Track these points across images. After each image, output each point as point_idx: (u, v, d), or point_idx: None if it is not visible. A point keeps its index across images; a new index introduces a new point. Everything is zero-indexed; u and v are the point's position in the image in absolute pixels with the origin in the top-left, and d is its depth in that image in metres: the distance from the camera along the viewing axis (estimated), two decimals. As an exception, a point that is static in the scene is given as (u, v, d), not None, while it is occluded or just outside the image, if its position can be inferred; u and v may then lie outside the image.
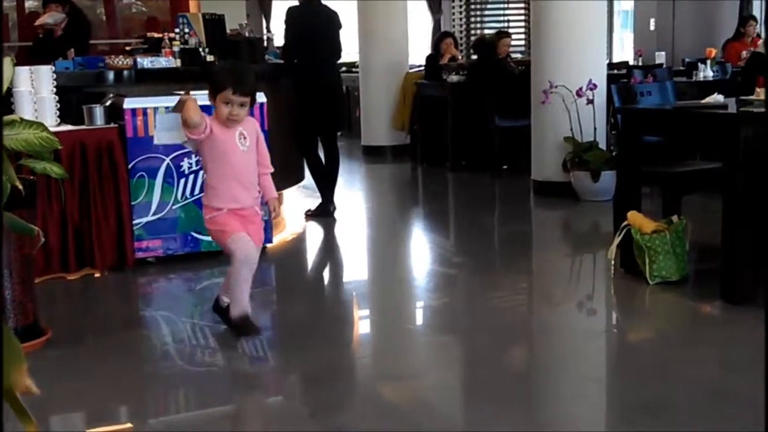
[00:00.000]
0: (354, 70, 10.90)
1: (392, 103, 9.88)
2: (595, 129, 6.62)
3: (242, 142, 3.44)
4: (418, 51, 11.43)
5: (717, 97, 4.45)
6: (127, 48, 8.01)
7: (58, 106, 4.88)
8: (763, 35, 10.12)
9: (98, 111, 4.92)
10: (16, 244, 3.46)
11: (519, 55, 11.20)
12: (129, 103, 4.87)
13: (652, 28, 12.47)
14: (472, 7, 12.91)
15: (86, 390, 3.27)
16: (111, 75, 5.81)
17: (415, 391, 3.21)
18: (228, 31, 7.14)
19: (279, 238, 5.69)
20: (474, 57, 9.39)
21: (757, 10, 11.70)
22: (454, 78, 8.71)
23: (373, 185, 8.71)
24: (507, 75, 8.45)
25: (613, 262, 4.51)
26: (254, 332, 3.57)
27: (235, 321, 3.54)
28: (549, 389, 3.33)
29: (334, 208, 6.43)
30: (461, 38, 12.51)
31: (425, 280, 4.91)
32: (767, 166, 3.82)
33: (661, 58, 10.34)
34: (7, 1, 9.83)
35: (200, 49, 6.32)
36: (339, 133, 6.70)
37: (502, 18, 13.03)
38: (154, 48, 7.04)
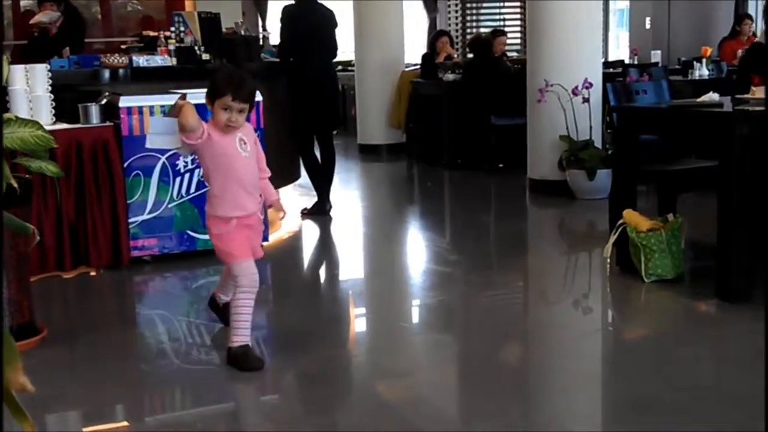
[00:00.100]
0: (350, 68, 10.90)
1: (388, 101, 9.87)
2: (590, 127, 6.62)
3: (243, 148, 3.34)
4: (414, 49, 11.43)
5: (712, 96, 4.45)
6: (123, 46, 8.00)
7: (54, 104, 4.88)
8: (762, 27, 10.13)
9: (94, 109, 4.92)
10: (11, 242, 3.45)
11: (515, 54, 11.21)
12: (124, 102, 4.86)
13: (647, 26, 12.48)
14: (468, 5, 12.91)
15: (82, 388, 3.27)
16: (106, 73, 5.80)
17: (411, 389, 3.21)
18: (224, 29, 7.14)
19: (275, 236, 5.68)
20: (470, 56, 9.40)
21: (752, 8, 11.72)
22: (450, 76, 8.72)
23: (369, 184, 8.71)
24: (503, 73, 8.46)
25: (608, 260, 4.51)
26: (256, 365, 3.32)
27: (235, 351, 3.32)
28: (544, 387, 3.34)
29: (330, 207, 6.43)
30: (457, 37, 12.51)
31: (421, 279, 4.91)
32: (762, 165, 3.82)
33: (656, 56, 10.36)
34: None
35: (196, 48, 6.32)
36: (335, 132, 6.70)
37: (497, 17, 13.04)
38: (149, 46, 7.03)
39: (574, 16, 6.66)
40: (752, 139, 3.78)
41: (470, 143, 8.50)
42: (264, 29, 13.08)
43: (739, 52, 9.30)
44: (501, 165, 8.21)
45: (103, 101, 5.10)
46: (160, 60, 6.02)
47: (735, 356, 3.44)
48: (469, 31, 12.69)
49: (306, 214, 6.40)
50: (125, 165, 4.85)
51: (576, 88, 6.51)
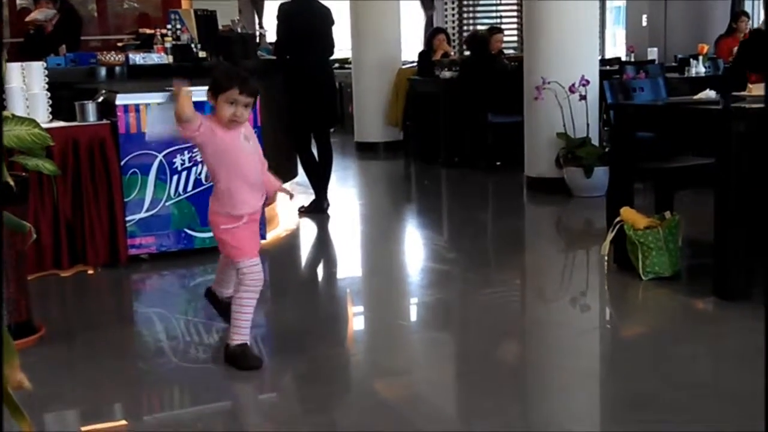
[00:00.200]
0: (347, 66, 10.89)
1: (385, 99, 9.87)
2: (587, 125, 6.62)
3: (247, 143, 3.32)
4: (411, 47, 11.43)
5: (709, 93, 4.45)
6: (119, 44, 7.99)
7: (50, 102, 4.87)
8: (759, 25, 10.12)
9: (90, 107, 4.91)
10: (8, 240, 3.45)
11: (512, 51, 11.21)
12: (121, 100, 4.85)
13: (644, 24, 12.50)
14: (465, 3, 12.92)
15: (80, 387, 3.26)
16: (103, 71, 5.79)
17: (409, 387, 3.21)
18: (220, 27, 7.13)
19: (272, 234, 5.68)
20: (467, 53, 9.40)
21: (749, 5, 11.73)
22: (446, 74, 8.71)
23: (366, 181, 8.71)
24: (500, 71, 8.46)
25: (606, 257, 4.51)
26: (255, 364, 3.31)
27: (234, 350, 3.30)
28: (542, 385, 3.34)
29: (328, 205, 6.43)
30: (454, 34, 12.52)
31: (418, 277, 4.91)
32: (759, 162, 3.83)
33: (653, 54, 10.36)
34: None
35: (192, 46, 6.31)
36: (332, 130, 6.69)
37: (494, 14, 13.05)
38: (146, 44, 7.02)
39: (570, 14, 6.66)
40: (749, 137, 3.78)
41: (467, 141, 8.50)
42: (260, 27, 13.09)
43: (735, 49, 9.32)
44: (498, 163, 8.21)
45: (100, 99, 5.09)
46: (156, 58, 6.01)
47: (733, 354, 3.44)
48: (465, 28, 12.69)
49: (303, 212, 6.40)
50: (122, 163, 4.84)
51: (573, 85, 6.51)
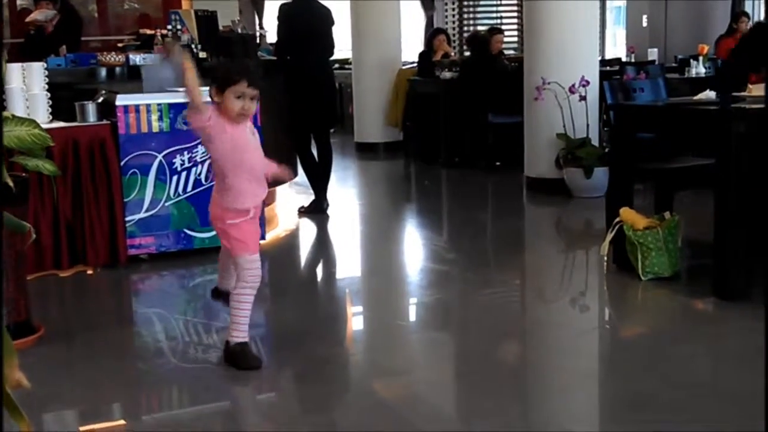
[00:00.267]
0: (347, 66, 10.90)
1: (385, 99, 9.87)
2: (587, 125, 6.62)
3: (252, 138, 3.30)
4: (411, 47, 11.43)
5: (709, 94, 4.45)
6: (120, 45, 8.00)
7: (50, 102, 4.87)
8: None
9: (90, 108, 4.91)
10: (8, 240, 3.45)
11: (512, 52, 11.21)
12: (121, 100, 4.85)
13: (644, 24, 12.50)
14: (465, 3, 12.92)
15: (79, 387, 3.26)
16: (103, 72, 5.80)
17: (409, 388, 3.21)
18: (220, 27, 7.14)
19: (272, 234, 5.68)
20: (467, 53, 9.40)
21: (749, 6, 11.73)
22: (447, 74, 8.71)
23: (366, 182, 8.71)
24: (500, 72, 8.46)
25: (605, 258, 4.51)
26: (254, 364, 3.31)
27: (233, 349, 3.30)
28: (542, 385, 3.34)
29: (327, 205, 6.43)
30: (454, 35, 12.52)
31: (418, 277, 4.91)
32: (759, 163, 3.83)
33: (653, 54, 10.37)
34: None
35: (193, 46, 6.31)
36: (332, 130, 6.69)
37: (494, 15, 13.05)
38: (146, 45, 7.03)
39: (571, 14, 6.66)
40: (749, 137, 3.78)
41: (467, 141, 8.50)
42: (261, 27, 13.09)
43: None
44: (498, 163, 8.22)
45: (100, 99, 5.10)
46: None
47: (732, 354, 3.44)
48: (466, 29, 12.70)
49: (303, 212, 6.40)
50: (122, 163, 4.84)
51: (573, 86, 6.51)
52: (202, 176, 5.01)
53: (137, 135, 4.86)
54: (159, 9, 10.92)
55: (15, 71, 4.71)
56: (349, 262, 5.45)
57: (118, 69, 5.80)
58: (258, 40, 10.30)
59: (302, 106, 6.19)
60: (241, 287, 3.27)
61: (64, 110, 4.95)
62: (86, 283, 4.72)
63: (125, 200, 4.86)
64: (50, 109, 4.86)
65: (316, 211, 6.36)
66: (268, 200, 5.90)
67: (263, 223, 5.02)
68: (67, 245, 4.74)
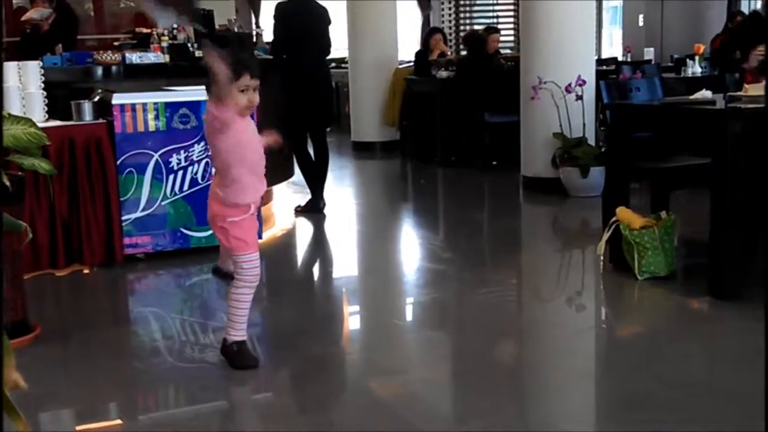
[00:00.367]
0: (343, 65, 10.89)
1: (382, 98, 9.87)
2: (584, 125, 6.63)
3: (256, 133, 3.29)
4: (408, 47, 11.43)
5: (705, 93, 4.46)
6: (116, 43, 7.99)
7: (46, 101, 4.87)
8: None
9: (86, 106, 4.91)
10: (3, 240, 3.44)
11: (508, 51, 11.22)
12: (117, 99, 4.85)
13: (640, 24, 12.51)
14: (462, 3, 12.92)
15: (75, 386, 3.26)
16: (99, 70, 5.79)
17: (405, 387, 3.21)
18: (217, 26, 7.13)
19: (269, 233, 5.68)
20: (464, 52, 9.40)
21: (745, 6, 11.74)
22: (443, 74, 8.72)
23: (362, 181, 8.71)
24: (496, 71, 8.47)
25: (602, 257, 4.52)
26: (251, 363, 3.31)
27: (231, 347, 3.29)
28: (538, 385, 3.34)
29: (324, 204, 6.43)
30: (450, 34, 12.52)
31: (415, 276, 4.91)
32: (755, 162, 3.83)
33: (649, 54, 10.38)
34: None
35: (189, 45, 6.31)
36: (328, 129, 6.69)
37: (491, 14, 13.05)
38: (142, 43, 7.03)
39: (567, 14, 6.67)
40: (745, 137, 3.79)
41: (464, 140, 8.51)
42: (257, 26, 13.08)
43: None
44: (494, 162, 8.22)
45: (96, 98, 5.09)
46: (153, 57, 6.02)
47: (728, 353, 3.45)
48: (462, 28, 12.69)
49: (300, 211, 6.40)
50: (118, 162, 4.84)
51: (569, 85, 6.51)
52: (199, 175, 5.01)
53: (133, 134, 4.85)
54: (155, 8, 10.89)
55: (11, 70, 4.70)
56: (346, 262, 5.45)
57: (114, 68, 5.80)
58: (254, 39, 10.30)
59: (299, 105, 6.19)
60: (241, 286, 3.25)
61: (61, 109, 4.94)
62: (83, 283, 4.71)
63: (121, 199, 4.86)
64: (46, 108, 4.86)
65: (313, 210, 6.36)
66: (265, 199, 5.90)
67: (260, 222, 5.02)
68: (63, 244, 4.74)
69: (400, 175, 8.99)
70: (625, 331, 3.94)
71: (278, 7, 6.32)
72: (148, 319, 4.17)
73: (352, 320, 4.26)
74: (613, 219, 4.36)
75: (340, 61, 11.24)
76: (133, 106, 4.85)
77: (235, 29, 7.87)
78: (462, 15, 12.93)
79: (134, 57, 5.91)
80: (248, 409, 3.19)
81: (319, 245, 5.92)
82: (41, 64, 5.01)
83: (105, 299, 4.66)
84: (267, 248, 5.31)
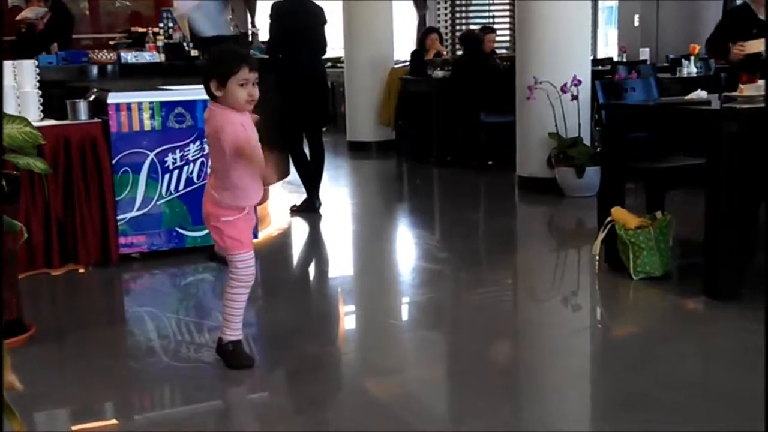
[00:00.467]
0: (339, 65, 10.89)
1: (377, 98, 9.87)
2: (579, 125, 6.64)
3: (254, 131, 3.22)
4: (404, 47, 11.43)
5: (700, 94, 4.46)
6: (111, 43, 7.98)
7: (42, 101, 4.86)
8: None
9: (82, 106, 4.90)
10: (-1, 239, 3.44)
11: (504, 51, 11.23)
12: (113, 98, 4.84)
13: (636, 24, 12.52)
14: (458, 2, 12.92)
15: (70, 386, 3.25)
16: (95, 70, 5.78)
17: (401, 387, 3.21)
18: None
19: (264, 233, 5.68)
20: (459, 52, 9.41)
21: (740, 6, 11.75)
22: (439, 74, 8.72)
23: (358, 181, 8.71)
24: (492, 71, 8.47)
25: (597, 257, 4.52)
26: (246, 363, 3.31)
27: (226, 347, 3.29)
28: (533, 385, 3.34)
29: (320, 204, 6.42)
30: (446, 34, 12.52)
31: (410, 276, 4.91)
32: (750, 162, 3.84)
33: (645, 54, 10.39)
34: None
35: (184, 44, 6.30)
36: (324, 129, 6.69)
37: (487, 14, 13.06)
38: (138, 43, 7.02)
39: (563, 14, 6.68)
40: (740, 137, 3.80)
41: (459, 140, 8.51)
42: (253, 26, 13.07)
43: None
44: (490, 162, 8.23)
45: (91, 98, 5.08)
46: (148, 56, 6.01)
47: (723, 354, 3.45)
48: (458, 28, 12.70)
49: (295, 211, 6.40)
50: (114, 162, 4.83)
51: (565, 85, 6.52)
52: (194, 175, 5.00)
53: (129, 133, 4.85)
54: (151, 7, 10.89)
55: (6, 69, 4.69)
56: (342, 261, 5.45)
57: (109, 67, 5.79)
58: (250, 39, 10.29)
59: (294, 104, 6.19)
60: (236, 286, 3.24)
61: (56, 108, 4.93)
62: (77, 282, 4.70)
63: (117, 199, 4.85)
64: (41, 107, 4.85)
65: (309, 209, 6.36)
66: (262, 199, 5.88)
67: (255, 221, 5.02)
68: (58, 244, 4.73)
69: (395, 175, 9.00)
70: (620, 331, 3.95)
71: (274, 6, 6.31)
72: (144, 318, 4.16)
73: (348, 320, 4.26)
74: (609, 219, 4.36)
75: (336, 61, 11.24)
76: (128, 106, 4.84)
77: (231, 29, 7.85)
78: (458, 15, 12.94)
79: (129, 56, 5.90)
80: (244, 409, 3.19)
81: (315, 245, 5.92)
82: (36, 63, 5.00)
83: (100, 299, 4.65)
84: (263, 248, 5.31)
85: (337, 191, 7.67)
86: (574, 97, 6.55)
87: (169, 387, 3.33)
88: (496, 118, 7.97)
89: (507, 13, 12.71)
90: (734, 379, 3.11)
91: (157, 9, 9.57)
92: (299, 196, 6.52)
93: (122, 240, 4.89)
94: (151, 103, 4.89)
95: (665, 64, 10.10)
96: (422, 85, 8.93)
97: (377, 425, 2.85)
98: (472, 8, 13.15)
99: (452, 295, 4.51)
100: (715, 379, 3.19)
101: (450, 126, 8.53)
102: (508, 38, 12.38)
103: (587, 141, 6.72)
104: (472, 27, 11.96)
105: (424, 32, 10.10)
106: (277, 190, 6.98)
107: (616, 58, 10.96)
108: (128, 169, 4.87)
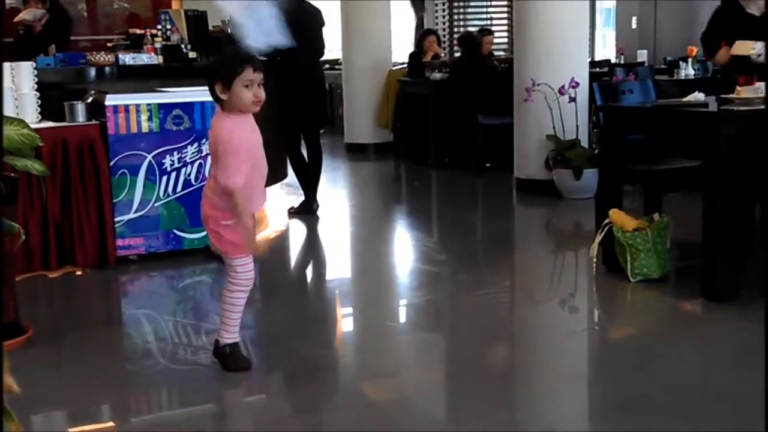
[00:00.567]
0: (337, 67, 10.89)
1: (375, 100, 9.87)
2: (577, 127, 6.64)
3: (259, 135, 3.20)
4: (402, 48, 11.43)
5: (698, 96, 4.47)
6: (109, 44, 7.98)
7: (39, 102, 4.85)
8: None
9: (80, 108, 4.90)
10: (-4, 241, 3.43)
11: (502, 53, 11.23)
12: (110, 100, 4.84)
13: (634, 26, 12.53)
14: (455, 4, 12.93)
15: (67, 388, 3.25)
16: (92, 71, 5.78)
17: (398, 389, 3.21)
18: (210, 27, 7.12)
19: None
20: (457, 54, 9.41)
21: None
22: (437, 75, 8.73)
23: (356, 183, 8.71)
24: (490, 73, 8.47)
25: (595, 259, 4.52)
26: (244, 366, 3.30)
27: (224, 350, 3.28)
28: (531, 387, 3.34)
29: (317, 206, 6.42)
30: (444, 36, 12.53)
31: (408, 278, 4.91)
32: (747, 164, 3.85)
33: (642, 56, 10.40)
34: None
35: (182, 46, 6.30)
36: (322, 131, 6.69)
37: (484, 16, 13.06)
38: (135, 44, 7.02)
39: (560, 16, 6.68)
40: (738, 139, 3.80)
41: (457, 142, 8.51)
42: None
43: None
44: (488, 164, 8.23)
45: (89, 99, 5.08)
46: (146, 58, 6.01)
47: (721, 355, 3.46)
48: (456, 30, 12.70)
49: (293, 213, 6.40)
50: (111, 164, 4.83)
51: (562, 87, 6.52)
52: (192, 177, 5.00)
53: (127, 135, 4.85)
54: (149, 9, 10.90)
55: (4, 71, 4.68)
56: (339, 263, 5.45)
57: (107, 69, 5.79)
58: (248, 41, 10.27)
59: (292, 106, 6.19)
60: (234, 290, 3.23)
61: (54, 110, 4.93)
62: (75, 284, 4.70)
63: (114, 201, 4.85)
64: (39, 109, 4.84)
65: (306, 212, 6.36)
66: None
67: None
68: (55, 246, 4.72)
69: (393, 177, 9.00)
70: (618, 333, 3.95)
71: (272, 8, 6.31)
72: (141, 320, 4.16)
73: (346, 322, 4.26)
74: (606, 221, 4.36)
75: (334, 63, 11.24)
76: (126, 108, 4.84)
77: (229, 31, 7.84)
78: (456, 17, 12.94)
79: (127, 58, 5.90)
80: (241, 412, 3.18)
81: (313, 247, 5.92)
82: (34, 65, 5.00)
83: (97, 301, 4.65)
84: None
85: (335, 193, 7.67)
86: (572, 99, 6.55)
87: (166, 389, 3.32)
88: (494, 120, 7.97)
89: (505, 15, 12.71)
90: (733, 381, 3.11)
91: (155, 11, 9.58)
92: (297, 198, 6.52)
93: (120, 242, 4.89)
94: (149, 105, 4.88)
95: (663, 66, 10.12)
96: (420, 87, 8.94)
97: (374, 427, 2.85)
98: (469, 10, 13.15)
99: (450, 297, 4.51)
100: (714, 381, 3.20)
101: (448, 128, 8.54)
102: (506, 40, 12.38)
103: (585, 143, 6.73)
104: (470, 29, 11.96)
105: (422, 34, 10.10)
106: (275, 192, 6.98)
107: (613, 60, 10.96)
108: (126, 171, 4.87)
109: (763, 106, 4.00)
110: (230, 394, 3.25)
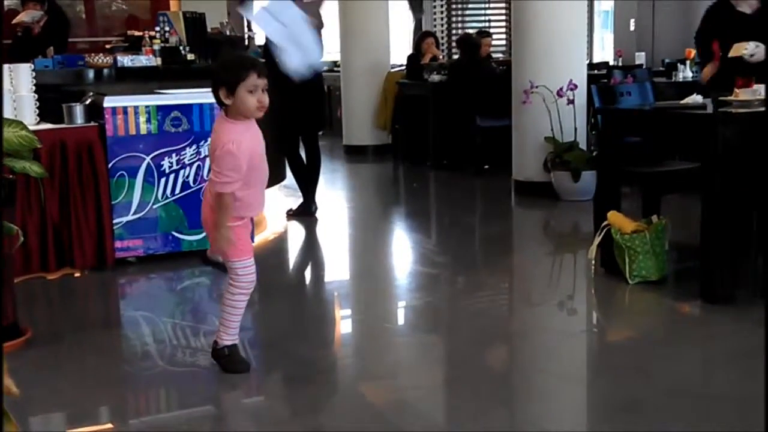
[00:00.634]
0: (335, 69, 10.90)
1: (374, 102, 9.88)
2: (575, 129, 6.65)
3: (261, 139, 3.18)
4: (400, 50, 11.44)
5: (696, 98, 4.47)
6: (107, 46, 7.99)
7: (38, 104, 4.85)
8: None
9: (78, 109, 4.90)
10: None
11: (500, 55, 11.24)
12: (109, 102, 4.84)
13: (632, 28, 12.53)
14: (453, 6, 12.93)
15: (66, 390, 3.25)
16: (91, 73, 5.79)
17: (396, 391, 3.21)
18: (209, 29, 7.13)
19: (260, 237, 5.68)
20: (456, 56, 9.42)
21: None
22: (435, 77, 8.73)
23: (354, 185, 8.71)
24: (488, 75, 8.48)
25: (593, 261, 4.53)
26: (242, 368, 3.29)
27: (222, 351, 3.28)
28: (529, 389, 3.34)
29: (316, 208, 6.42)
30: (442, 38, 12.54)
31: (407, 280, 4.91)
32: (745, 166, 3.85)
33: (641, 58, 10.41)
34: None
35: (181, 48, 6.31)
36: (320, 133, 6.69)
37: (483, 18, 13.07)
38: (134, 46, 7.03)
39: (558, 18, 6.68)
40: (736, 141, 3.81)
41: (456, 144, 8.52)
42: (249, 29, 13.06)
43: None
44: (486, 166, 8.24)
45: (88, 101, 5.08)
46: (144, 60, 6.02)
47: (719, 357, 3.46)
48: (454, 32, 12.71)
49: (291, 215, 6.40)
50: (110, 165, 4.83)
51: (561, 89, 6.53)
52: (191, 178, 5.00)
53: (125, 137, 4.85)
54: (147, 11, 10.91)
55: (2, 72, 4.69)
56: (338, 265, 5.45)
57: (105, 70, 5.80)
58: (246, 43, 10.29)
59: (291, 108, 6.18)
60: (235, 292, 3.22)
61: (52, 112, 4.93)
62: (73, 286, 4.70)
63: (113, 202, 4.85)
64: (37, 111, 4.84)
65: (305, 213, 6.36)
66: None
67: (252, 225, 5.01)
68: (54, 248, 4.72)
69: (391, 179, 9.00)
70: (616, 334, 3.95)
71: (271, 10, 6.30)
72: (140, 322, 4.16)
73: (344, 324, 4.26)
74: (605, 223, 4.37)
75: (333, 65, 11.25)
76: (124, 109, 4.84)
77: (227, 32, 7.87)
78: (454, 19, 12.95)
79: (126, 60, 5.91)
80: (239, 414, 3.18)
81: (311, 249, 5.92)
82: (32, 66, 5.00)
83: (96, 303, 4.65)
84: (259, 252, 5.28)
85: (334, 195, 7.67)
86: (570, 101, 6.56)
87: (165, 391, 3.32)
88: (493, 122, 7.98)
89: (503, 17, 12.71)
90: (731, 382, 3.11)
91: (153, 12, 9.59)
92: (295, 200, 6.52)
93: (118, 244, 4.89)
94: (147, 106, 4.88)
95: (661, 69, 10.11)
96: (418, 89, 8.94)
97: (372, 429, 2.85)
98: (468, 12, 13.15)
99: (448, 299, 4.52)
100: (712, 382, 3.20)
101: (446, 130, 8.54)
102: (504, 42, 12.39)
103: (583, 145, 6.73)
104: (469, 31, 11.97)
105: (420, 36, 10.11)
106: (273, 194, 6.98)
107: (612, 63, 10.97)
108: (124, 172, 4.87)
109: (761, 109, 4.00)
110: (229, 396, 3.25)
